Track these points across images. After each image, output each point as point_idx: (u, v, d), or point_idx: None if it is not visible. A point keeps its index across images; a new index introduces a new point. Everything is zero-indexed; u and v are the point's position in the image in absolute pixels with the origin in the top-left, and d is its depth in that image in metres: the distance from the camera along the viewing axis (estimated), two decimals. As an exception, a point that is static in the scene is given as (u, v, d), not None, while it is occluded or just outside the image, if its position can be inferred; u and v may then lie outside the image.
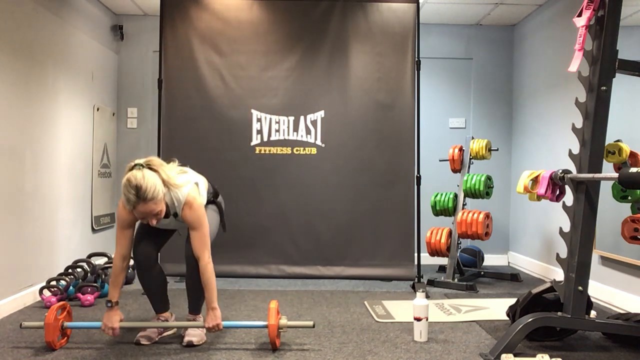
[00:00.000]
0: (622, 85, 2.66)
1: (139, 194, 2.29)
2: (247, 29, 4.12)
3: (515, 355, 2.35)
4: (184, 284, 3.99)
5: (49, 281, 3.43)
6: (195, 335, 2.58)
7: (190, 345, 2.55)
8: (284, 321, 2.51)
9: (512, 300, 2.85)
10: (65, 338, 2.59)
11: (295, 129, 4.17)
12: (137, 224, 2.62)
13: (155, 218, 2.40)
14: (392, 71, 4.11)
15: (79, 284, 3.47)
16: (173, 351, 2.48)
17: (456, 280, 4.00)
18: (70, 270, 3.58)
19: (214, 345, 2.57)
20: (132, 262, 4.07)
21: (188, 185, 2.54)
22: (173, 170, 2.53)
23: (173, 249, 4.00)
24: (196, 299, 2.69)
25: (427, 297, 3.51)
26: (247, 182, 4.15)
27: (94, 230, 4.43)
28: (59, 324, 2.51)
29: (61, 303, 2.62)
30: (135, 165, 2.37)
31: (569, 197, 2.62)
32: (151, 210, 2.34)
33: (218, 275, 4.01)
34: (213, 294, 2.50)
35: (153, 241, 2.69)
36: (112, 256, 4.16)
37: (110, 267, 3.78)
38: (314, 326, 2.59)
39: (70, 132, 4.00)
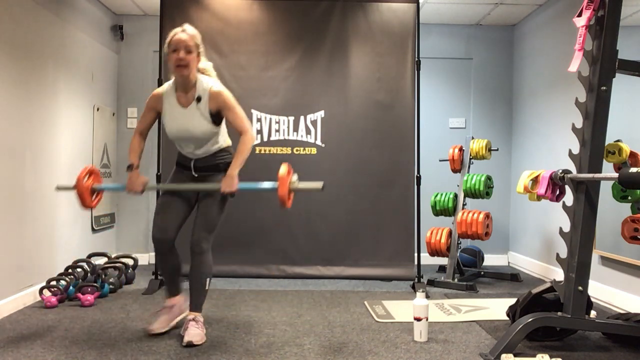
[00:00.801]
0: (622, 85, 2.66)
1: (184, 28, 2.63)
2: (247, 29, 4.12)
3: (515, 355, 2.35)
4: (183, 284, 3.98)
5: (49, 281, 3.43)
6: (195, 335, 2.58)
7: (190, 345, 2.55)
8: (294, 184, 2.62)
9: (512, 300, 2.85)
10: (97, 198, 2.83)
11: (295, 129, 4.17)
12: (157, 202, 2.84)
13: (186, 54, 2.58)
14: (392, 71, 4.11)
15: (79, 284, 3.47)
16: (173, 351, 2.48)
17: (456, 280, 4.00)
18: (70, 270, 3.59)
19: (214, 345, 2.57)
20: (131, 262, 4.10)
21: (219, 82, 2.75)
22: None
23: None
24: (197, 294, 2.70)
25: (427, 297, 3.51)
26: (247, 182, 4.14)
27: (94, 230, 4.43)
28: (89, 188, 2.73)
29: (89, 168, 2.79)
30: None
31: (569, 197, 2.62)
32: (185, 41, 2.58)
33: (218, 275, 4.04)
34: (238, 164, 2.64)
35: (170, 224, 2.73)
36: (112, 256, 4.18)
37: (110, 267, 3.79)
38: (322, 189, 2.70)
39: (70, 132, 4.00)
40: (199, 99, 2.65)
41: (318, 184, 2.71)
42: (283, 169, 2.61)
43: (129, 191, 2.73)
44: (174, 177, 2.87)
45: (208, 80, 2.68)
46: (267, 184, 2.77)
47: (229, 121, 2.70)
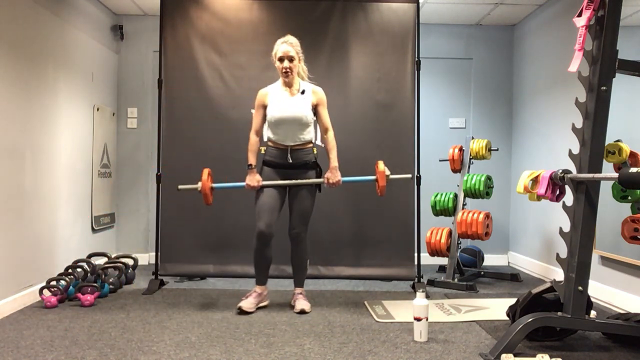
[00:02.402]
0: (622, 85, 2.66)
1: (286, 40, 3.23)
2: (247, 29, 4.11)
3: (515, 355, 2.35)
4: (183, 284, 4.00)
5: (49, 281, 3.43)
6: (305, 304, 3.22)
7: (303, 312, 3.15)
8: (389, 177, 3.22)
9: (512, 300, 2.85)
10: (211, 195, 3.26)
11: (295, 129, 4.16)
12: (258, 200, 3.23)
13: (290, 62, 3.20)
14: (392, 71, 4.10)
15: (79, 284, 3.47)
16: (173, 351, 2.48)
17: (456, 280, 4.01)
18: (70, 270, 3.59)
19: (214, 345, 2.57)
20: (131, 262, 4.10)
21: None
22: None
23: (173, 249, 4.01)
24: (301, 273, 3.37)
25: (427, 297, 3.51)
26: (247, 182, 4.14)
27: (94, 230, 4.43)
28: (209, 186, 3.22)
29: (208, 170, 3.26)
30: None
31: (569, 197, 2.62)
32: (289, 52, 3.20)
33: (218, 275, 4.04)
34: (335, 156, 3.25)
35: (274, 220, 3.21)
36: (112, 256, 4.18)
37: (110, 267, 3.80)
38: (412, 178, 3.50)
39: (70, 132, 4.00)
40: (303, 92, 3.27)
41: (408, 175, 3.39)
42: (381, 165, 3.22)
43: (248, 188, 3.24)
44: (266, 177, 3.27)
45: (308, 84, 3.33)
46: (367, 177, 3.32)
47: (320, 116, 3.31)
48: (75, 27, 4.09)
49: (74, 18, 4.07)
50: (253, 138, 3.30)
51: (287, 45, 3.20)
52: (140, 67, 5.00)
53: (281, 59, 3.20)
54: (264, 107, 3.28)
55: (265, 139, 3.40)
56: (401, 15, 4.09)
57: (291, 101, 3.23)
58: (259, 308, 3.30)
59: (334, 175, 3.22)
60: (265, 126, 3.35)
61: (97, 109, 4.48)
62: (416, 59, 4.00)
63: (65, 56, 3.92)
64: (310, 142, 3.32)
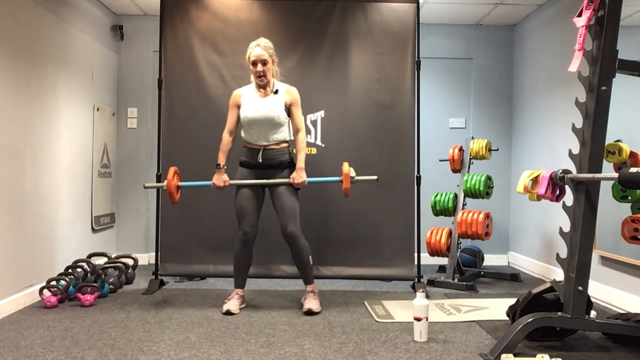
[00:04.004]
0: (622, 85, 2.66)
1: (258, 42, 3.20)
2: (247, 29, 4.11)
3: (515, 355, 2.35)
4: (183, 284, 4.00)
5: (49, 281, 3.43)
6: (314, 304, 3.18)
7: (310, 312, 3.12)
8: (354, 178, 3.21)
9: (512, 300, 2.85)
10: (179, 193, 3.30)
11: (295, 129, 4.16)
12: (236, 204, 3.24)
13: (263, 66, 3.18)
14: (392, 71, 4.09)
15: (79, 284, 3.47)
16: (173, 351, 2.48)
17: (456, 280, 4.01)
18: (70, 270, 3.59)
19: (214, 345, 2.57)
20: (131, 262, 4.10)
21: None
22: None
23: (173, 249, 4.01)
24: (306, 270, 3.30)
25: (427, 297, 3.51)
26: (247, 182, 4.14)
27: (94, 230, 4.43)
28: (175, 184, 3.24)
29: (174, 169, 3.27)
30: None
31: (569, 197, 2.62)
32: (262, 56, 3.17)
33: (218, 275, 4.04)
34: (303, 158, 3.25)
35: (256, 221, 3.27)
36: (112, 256, 4.18)
37: (110, 267, 3.80)
38: (377, 180, 3.32)
39: (70, 132, 4.00)
40: (276, 92, 3.26)
41: (374, 177, 3.31)
42: (346, 167, 3.22)
43: (214, 187, 3.25)
44: (241, 177, 3.28)
45: (281, 85, 3.32)
46: (332, 178, 3.36)
47: (293, 116, 3.29)
48: (75, 27, 4.09)
49: (74, 18, 4.07)
50: (225, 138, 3.32)
51: (260, 49, 3.18)
52: (140, 67, 5.00)
53: (254, 63, 3.19)
54: (238, 107, 3.29)
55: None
56: (401, 15, 4.09)
57: (263, 101, 3.23)
58: (258, 308, 3.30)
59: (299, 175, 3.21)
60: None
61: (97, 109, 4.48)
62: (416, 59, 4.00)
63: (65, 56, 3.92)
64: (285, 141, 3.31)
